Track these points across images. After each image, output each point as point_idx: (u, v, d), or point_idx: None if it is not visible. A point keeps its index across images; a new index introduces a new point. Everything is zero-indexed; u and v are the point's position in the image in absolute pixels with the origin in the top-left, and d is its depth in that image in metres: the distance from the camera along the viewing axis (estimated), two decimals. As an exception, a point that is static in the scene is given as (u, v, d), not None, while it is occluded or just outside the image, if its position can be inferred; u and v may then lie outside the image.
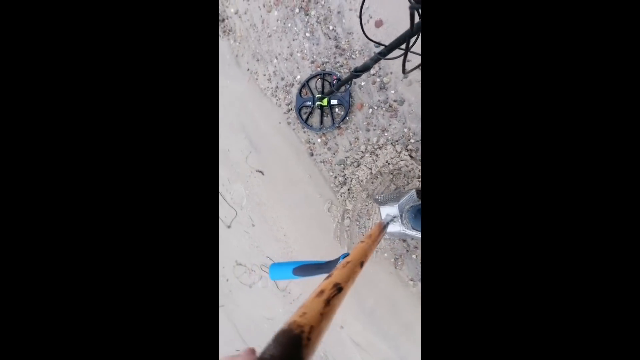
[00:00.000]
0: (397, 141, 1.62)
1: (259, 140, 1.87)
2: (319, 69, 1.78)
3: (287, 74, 1.83)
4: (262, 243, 1.83)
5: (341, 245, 1.71)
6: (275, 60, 1.86)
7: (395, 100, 1.62)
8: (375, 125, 1.67)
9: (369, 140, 1.68)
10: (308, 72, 1.78)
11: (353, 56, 1.70)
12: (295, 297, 1.74)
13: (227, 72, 1.97)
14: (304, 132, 1.80)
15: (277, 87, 1.85)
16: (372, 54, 1.22)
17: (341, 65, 1.71)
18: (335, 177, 1.73)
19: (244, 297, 1.86)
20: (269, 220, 1.83)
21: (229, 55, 1.96)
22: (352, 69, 1.08)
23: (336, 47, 1.74)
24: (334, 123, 1.70)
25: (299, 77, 1.80)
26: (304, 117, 1.77)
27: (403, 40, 0.81)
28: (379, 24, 1.66)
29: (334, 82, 1.72)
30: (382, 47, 0.91)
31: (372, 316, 1.60)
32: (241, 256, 1.88)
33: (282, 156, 1.83)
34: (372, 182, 1.65)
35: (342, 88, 1.63)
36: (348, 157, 1.71)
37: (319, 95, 1.69)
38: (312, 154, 1.78)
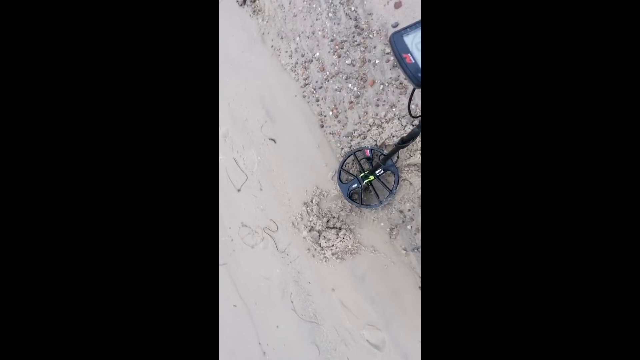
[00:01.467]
0: (403, 116, 1.68)
1: (275, 111, 1.98)
2: (346, 147, 1.70)
3: (307, 51, 1.94)
4: (267, 206, 1.92)
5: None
6: (297, 38, 1.98)
7: (406, 78, 1.69)
8: (384, 101, 1.74)
9: (377, 114, 1.75)
10: (327, 49, 1.89)
11: (370, 35, 1.79)
12: (293, 259, 1.81)
13: (253, 49, 2.10)
14: (317, 106, 1.89)
15: (296, 63, 1.96)
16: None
17: (358, 44, 1.81)
18: (342, 148, 1.80)
19: (246, 257, 1.94)
20: (276, 186, 1.92)
21: (256, 33, 2.10)
22: (398, 141, 1.04)
23: (355, 26, 1.84)
24: (391, 191, 1.60)
25: (318, 53, 1.91)
26: (357, 199, 1.66)
27: None
28: (398, 5, 1.75)
29: (370, 155, 1.64)
30: (419, 117, 0.86)
31: (363, 281, 1.64)
32: (247, 218, 1.97)
33: (295, 126, 1.93)
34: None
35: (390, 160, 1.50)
36: (356, 129, 1.78)
37: (363, 174, 1.60)
38: (322, 126, 1.87)
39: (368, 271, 1.63)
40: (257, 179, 1.96)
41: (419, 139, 1.60)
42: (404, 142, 0.99)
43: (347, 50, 1.84)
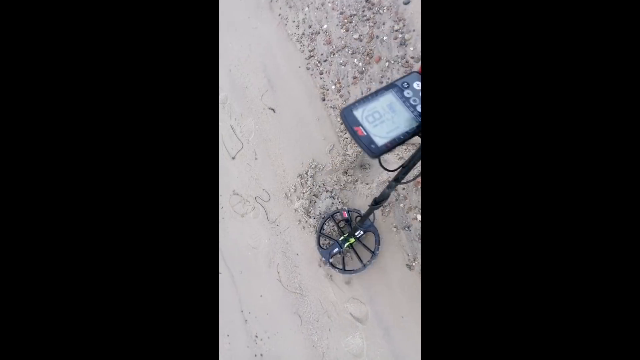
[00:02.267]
0: (406, 95, 1.66)
1: (276, 81, 1.93)
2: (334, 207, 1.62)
3: (315, 22, 1.89)
4: (261, 176, 1.88)
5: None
6: (306, 9, 1.93)
7: (412, 57, 1.66)
8: (389, 79, 1.71)
9: (380, 92, 1.72)
10: (336, 21, 1.84)
11: (381, 11, 1.75)
12: (283, 230, 1.78)
13: (259, 15, 2.04)
14: (320, 79, 1.85)
15: (303, 33, 1.91)
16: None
17: (367, 19, 1.77)
18: (342, 123, 1.77)
19: (235, 225, 1.91)
20: (272, 156, 1.88)
21: (264, -1, 2.04)
22: (371, 203, 1.05)
23: (366, 1, 1.79)
24: (373, 252, 1.54)
25: (325, 26, 1.86)
26: (339, 265, 1.59)
27: (416, 161, 0.80)
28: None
29: (348, 217, 1.59)
30: (398, 170, 0.87)
31: (352, 255, 1.63)
32: (239, 187, 1.93)
33: (296, 98, 1.88)
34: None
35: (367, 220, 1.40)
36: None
37: (343, 237, 1.52)
38: (324, 99, 1.83)
39: (357, 245, 1.62)
40: (252, 148, 1.92)
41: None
42: (377, 203, 1.01)
43: (356, 25, 1.79)
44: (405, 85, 0.62)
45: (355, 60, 1.78)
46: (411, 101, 0.60)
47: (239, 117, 1.97)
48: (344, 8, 1.83)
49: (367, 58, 1.75)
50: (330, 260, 1.59)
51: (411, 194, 1.60)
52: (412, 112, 0.59)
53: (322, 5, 1.88)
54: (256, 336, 1.74)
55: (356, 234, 1.49)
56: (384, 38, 1.72)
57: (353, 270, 1.57)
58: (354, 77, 1.77)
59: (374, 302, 1.55)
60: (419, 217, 1.55)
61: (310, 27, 1.89)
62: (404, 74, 0.66)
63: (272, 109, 1.91)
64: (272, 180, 1.85)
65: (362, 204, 1.67)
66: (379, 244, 1.54)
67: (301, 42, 1.91)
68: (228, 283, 1.86)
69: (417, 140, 1.39)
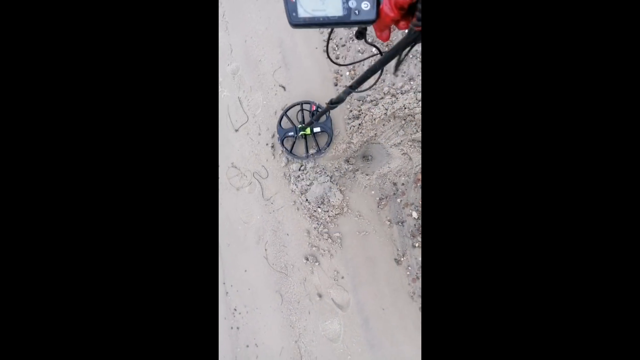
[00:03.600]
0: (419, 91, 1.62)
1: (291, 59, 1.87)
2: (355, 110, 1.66)
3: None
4: (262, 152, 1.83)
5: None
6: (331, -10, 1.86)
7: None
8: (404, 73, 1.67)
9: (394, 84, 1.67)
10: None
11: None
12: (277, 208, 1.74)
13: (281, -9, 1.97)
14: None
15: (325, 15, 1.84)
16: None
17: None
18: (351, 110, 1.72)
19: (229, 198, 1.86)
20: (277, 134, 1.83)
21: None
22: (328, 101, 1.07)
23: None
24: (319, 150, 1.65)
25: (348, 11, 1.80)
26: (289, 147, 1.71)
27: (370, 74, 0.81)
28: None
29: (315, 111, 1.66)
30: (353, 81, 0.87)
31: (341, 243, 1.60)
32: (239, 160, 1.87)
33: (308, 79, 1.82)
34: (383, 125, 1.65)
35: (323, 117, 1.55)
36: (369, 94, 1.70)
37: (301, 126, 1.63)
38: (336, 84, 1.78)
39: (348, 234, 1.59)
40: (257, 123, 1.86)
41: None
42: (332, 103, 1.05)
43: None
44: None
45: (374, 49, 1.72)
46: None
47: (248, 90, 1.91)
48: (370, -5, 1.76)
49: (386, 49, 1.70)
50: (283, 140, 1.70)
51: (409, 190, 1.57)
52: (343, 3, 0.57)
53: (348, -11, 1.81)
54: (235, 309, 1.71)
55: (314, 129, 1.64)
56: (405, 31, 1.67)
57: (296, 155, 1.69)
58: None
59: (357, 291, 1.53)
60: (415, 215, 1.52)
61: (332, 9, 1.83)
62: None
63: (282, 87, 1.85)
64: (273, 158, 1.80)
65: (359, 194, 1.64)
66: (327, 145, 1.65)
67: (321, 23, 1.84)
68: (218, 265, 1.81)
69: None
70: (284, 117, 1.74)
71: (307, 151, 1.68)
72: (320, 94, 1.77)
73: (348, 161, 1.69)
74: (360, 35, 0.67)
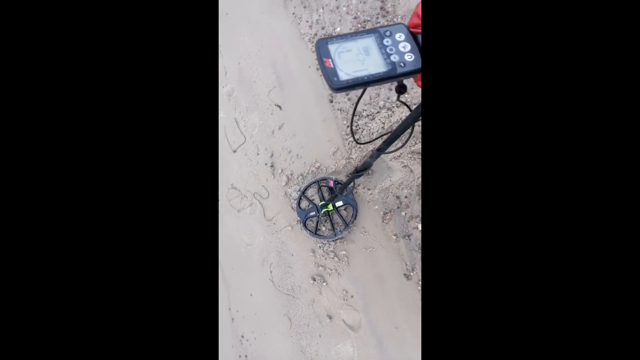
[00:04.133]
0: (415, 104, 1.62)
1: (285, 78, 1.87)
2: (353, 126, 1.61)
3: (329, 25, 1.84)
4: (261, 172, 1.80)
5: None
6: (320, 10, 1.88)
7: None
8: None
9: (389, 98, 1.67)
10: (349, 25, 1.79)
11: (395, 19, 1.71)
12: (280, 229, 1.70)
13: (274, 11, 1.98)
14: (330, 80, 1.80)
15: (316, 34, 1.85)
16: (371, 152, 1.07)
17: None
18: (348, 126, 1.71)
19: (230, 220, 1.81)
20: (275, 153, 1.80)
21: (280, -3, 1.98)
22: (352, 171, 1.02)
23: (381, 8, 1.75)
24: (347, 225, 1.53)
25: (339, 29, 1.81)
26: (312, 229, 1.59)
27: (400, 132, 0.80)
28: None
29: (333, 186, 1.58)
30: (382, 143, 0.85)
31: (347, 261, 1.56)
32: (238, 181, 1.84)
33: (303, 97, 1.82)
34: (381, 138, 1.64)
35: (345, 190, 1.46)
36: (365, 110, 1.69)
37: (323, 202, 1.54)
38: (331, 101, 1.77)
39: (355, 251, 1.55)
40: (255, 143, 1.84)
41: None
42: (358, 172, 1.01)
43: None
44: (388, 33, 0.59)
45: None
46: (388, 49, 0.57)
47: (244, 111, 1.89)
48: (358, 13, 1.78)
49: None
50: (305, 222, 1.59)
51: (413, 203, 1.54)
52: (385, 59, 0.56)
53: (337, 8, 1.83)
54: (242, 336, 1.64)
55: (336, 203, 1.52)
56: (397, 45, 1.68)
57: (322, 236, 1.56)
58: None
59: (368, 311, 1.48)
60: (420, 227, 1.49)
61: (323, 28, 1.84)
62: (390, 23, 0.62)
63: (278, 106, 1.84)
64: (272, 179, 1.77)
65: (363, 210, 1.61)
66: (354, 218, 1.53)
67: (313, 42, 1.85)
68: (218, 278, 1.76)
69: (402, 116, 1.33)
70: (302, 199, 1.64)
71: (333, 229, 1.56)
72: (316, 112, 1.76)
73: (349, 177, 1.66)
74: (403, 89, 0.66)
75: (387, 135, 0.81)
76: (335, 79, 0.54)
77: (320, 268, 1.57)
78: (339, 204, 1.53)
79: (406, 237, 1.50)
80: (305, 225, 1.59)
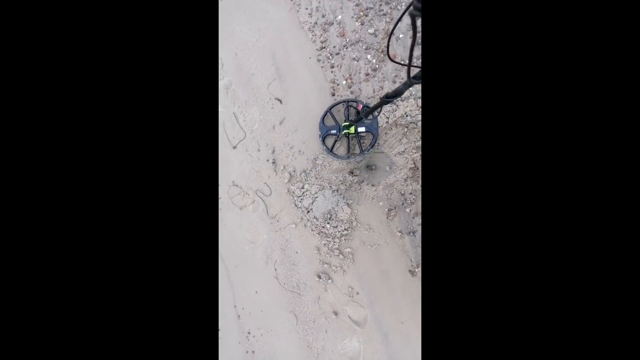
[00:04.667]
0: (419, 97, 1.57)
1: (285, 70, 1.79)
2: (344, 95, 1.57)
3: (329, 12, 1.75)
4: (263, 169, 1.76)
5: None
6: (321, -3, 1.78)
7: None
8: (402, 78, 1.61)
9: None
10: (351, 13, 1.70)
11: (399, 7, 1.63)
12: (283, 226, 1.68)
13: (270, -2, 1.88)
14: (332, 72, 1.73)
15: (316, 22, 1.76)
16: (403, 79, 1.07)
17: (384, 14, 1.64)
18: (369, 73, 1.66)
19: (232, 218, 1.79)
20: (276, 149, 1.76)
21: (277, -18, 1.87)
22: (382, 95, 0.97)
23: (385, -6, 1.66)
24: (362, 151, 1.51)
25: (340, 17, 1.72)
26: (330, 146, 1.58)
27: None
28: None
29: (361, 109, 1.52)
30: (417, 70, 0.77)
31: (353, 257, 1.55)
32: (239, 178, 1.80)
33: (304, 90, 1.75)
34: (385, 133, 1.60)
35: (370, 115, 1.43)
36: (369, 103, 1.64)
37: (346, 123, 1.50)
38: (333, 94, 1.71)
39: (359, 248, 1.54)
40: (256, 139, 1.78)
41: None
42: (388, 97, 0.96)
43: (372, 19, 1.67)
44: None
45: (369, 56, 1.66)
46: None
47: (243, 105, 1.82)
48: (361, 0, 1.69)
49: (381, 55, 1.64)
50: (324, 138, 1.57)
51: (418, 199, 1.52)
52: None
53: (338, -6, 1.73)
54: (249, 332, 1.65)
55: (358, 128, 1.48)
56: (400, 35, 1.61)
57: (337, 155, 1.56)
58: (367, 74, 1.66)
59: (374, 306, 1.48)
60: (425, 223, 1.48)
61: (323, 16, 1.75)
62: None
63: (278, 100, 1.77)
64: (274, 174, 1.73)
65: (367, 207, 1.59)
66: (372, 147, 1.51)
67: (313, 31, 1.76)
68: (222, 276, 1.75)
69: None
70: (327, 115, 1.61)
71: (348, 151, 1.55)
72: (318, 106, 1.70)
73: (352, 172, 1.63)
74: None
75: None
76: None
77: (325, 265, 1.56)
78: (361, 129, 1.49)
79: (411, 234, 1.49)
80: (323, 141, 1.57)
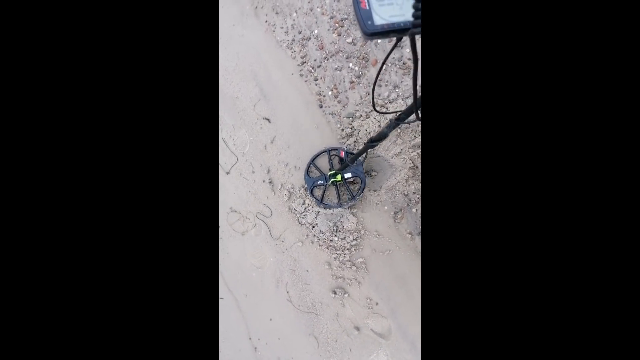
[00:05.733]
0: (407, 97, 1.56)
1: (269, 89, 1.77)
2: (347, 129, 1.54)
3: (305, 28, 1.75)
4: (260, 190, 1.70)
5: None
6: (294, 14, 1.79)
7: (409, 59, 1.58)
8: (387, 82, 1.61)
9: (379, 95, 1.61)
10: (327, 26, 1.72)
11: (373, 14, 1.65)
12: (289, 245, 1.60)
13: (245, 22, 1.87)
14: (316, 85, 1.71)
15: (293, 39, 1.76)
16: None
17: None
18: (343, 129, 1.63)
19: (235, 245, 1.70)
20: (271, 169, 1.71)
21: (249, 6, 1.86)
22: (367, 141, 0.97)
23: (357, 4, 1.69)
24: (353, 197, 1.48)
25: (316, 31, 1.73)
26: (319, 197, 1.55)
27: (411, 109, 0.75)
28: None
29: (344, 156, 1.51)
30: (401, 113, 0.80)
31: (366, 267, 1.49)
32: (237, 203, 1.73)
33: (291, 106, 1.73)
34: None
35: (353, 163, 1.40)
36: (357, 110, 1.62)
37: (332, 172, 1.48)
38: (321, 106, 1.69)
39: (371, 257, 1.48)
40: (249, 161, 1.73)
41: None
42: (373, 141, 0.96)
43: (348, 29, 1.68)
44: None
45: (351, 64, 1.66)
46: None
47: (231, 129, 1.78)
48: (334, 12, 1.71)
49: (363, 62, 1.64)
50: (312, 189, 1.54)
51: (422, 198, 1.49)
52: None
53: (311, 10, 1.75)
54: (269, 364, 1.54)
55: (345, 175, 1.47)
56: (378, 41, 1.62)
57: (328, 205, 1.53)
58: (351, 82, 1.65)
59: (396, 315, 1.41)
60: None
61: (300, 32, 1.75)
62: None
63: (266, 119, 1.74)
64: (272, 195, 1.68)
65: (373, 213, 1.54)
66: (361, 191, 1.48)
67: (292, 48, 1.76)
68: (232, 308, 1.65)
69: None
70: (311, 167, 1.58)
71: (339, 199, 1.51)
72: (307, 119, 1.68)
73: (353, 181, 1.59)
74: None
75: (406, 108, 0.76)
76: (369, 22, 0.50)
77: (339, 280, 1.49)
78: (347, 175, 1.48)
79: (421, 234, 1.45)
80: (311, 193, 1.54)
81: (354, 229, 1.50)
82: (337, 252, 1.51)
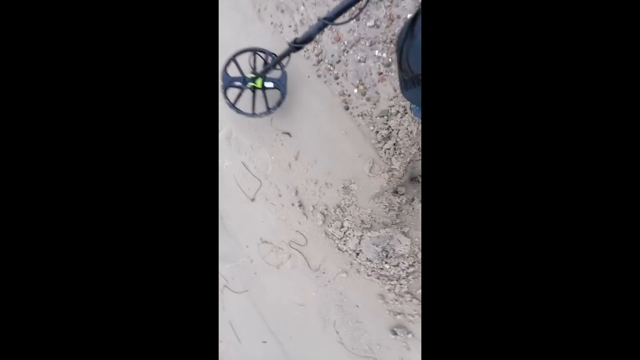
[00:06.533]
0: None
1: (285, 99, 1.55)
2: (383, 130, 1.32)
3: (316, 21, 1.51)
4: (291, 215, 1.48)
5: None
6: (301, 7, 1.54)
7: None
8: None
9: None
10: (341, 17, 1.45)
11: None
12: (332, 277, 1.36)
13: (249, 30, 1.66)
14: (338, 84, 1.45)
15: (304, 37, 1.53)
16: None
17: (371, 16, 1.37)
18: (377, 131, 1.35)
19: (271, 280, 1.50)
20: (299, 189, 1.48)
21: (251, 10, 1.65)
22: (291, 41, 0.87)
23: (374, -20, 1.40)
24: (269, 109, 1.34)
25: (329, 21, 1.47)
26: (233, 99, 1.38)
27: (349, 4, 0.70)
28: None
29: (269, 58, 1.33)
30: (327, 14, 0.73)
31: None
32: (267, 233, 1.53)
33: (313, 113, 1.48)
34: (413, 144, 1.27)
35: (278, 72, 1.29)
36: (392, 105, 1.33)
37: (252, 75, 1.31)
38: (347, 108, 1.42)
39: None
40: (273, 184, 1.52)
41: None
42: (297, 43, 0.90)
43: (368, 10, 1.40)
44: None
45: (377, 51, 1.37)
46: None
47: (250, 151, 1.58)
48: (348, -5, 1.43)
49: (391, 45, 1.35)
50: (227, 88, 1.36)
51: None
52: None
53: (321, -2, 1.49)
54: (327, 419, 1.30)
55: (265, 83, 1.32)
56: (407, 16, 1.31)
57: (240, 111, 1.37)
58: (380, 73, 1.36)
59: None
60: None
61: (310, 27, 1.50)
62: None
63: (287, 133, 1.51)
64: (305, 219, 1.44)
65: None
66: (278, 105, 1.35)
67: (304, 48, 1.52)
68: (277, 353, 1.43)
69: None
70: (232, 63, 1.39)
71: (253, 108, 1.37)
72: (333, 126, 1.42)
73: (397, 192, 1.30)
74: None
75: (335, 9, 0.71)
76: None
77: (398, 316, 1.21)
78: (268, 84, 1.32)
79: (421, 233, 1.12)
80: (225, 93, 1.36)
81: (409, 253, 1.20)
82: (392, 283, 1.22)
